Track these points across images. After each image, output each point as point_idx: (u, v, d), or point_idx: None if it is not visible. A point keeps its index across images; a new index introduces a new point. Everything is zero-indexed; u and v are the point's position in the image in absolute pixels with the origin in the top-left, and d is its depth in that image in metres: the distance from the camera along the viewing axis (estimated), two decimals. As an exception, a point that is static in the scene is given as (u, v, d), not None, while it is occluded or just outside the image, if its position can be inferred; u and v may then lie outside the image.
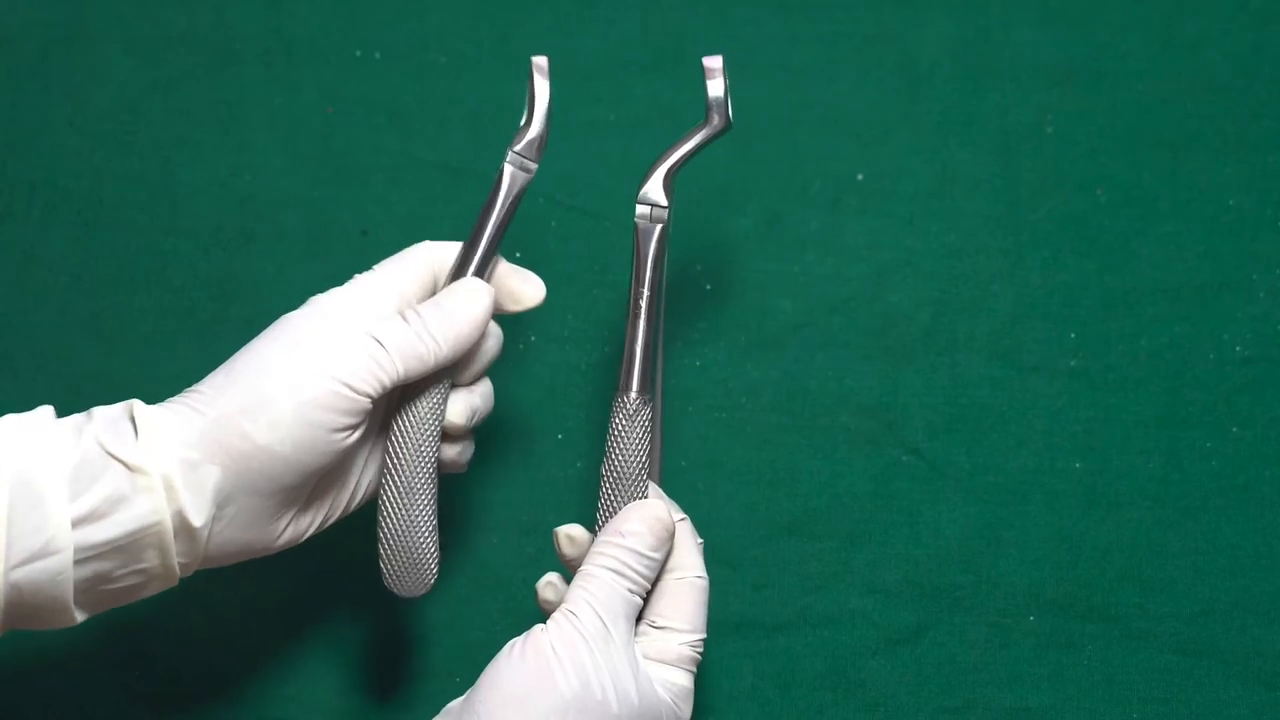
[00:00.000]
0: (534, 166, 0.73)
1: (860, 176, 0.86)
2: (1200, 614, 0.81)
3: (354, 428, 0.68)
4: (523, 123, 0.73)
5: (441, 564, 0.83)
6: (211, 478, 0.65)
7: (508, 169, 0.72)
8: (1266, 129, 0.86)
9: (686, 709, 0.70)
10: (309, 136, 0.88)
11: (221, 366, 0.69)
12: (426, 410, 0.71)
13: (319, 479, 0.69)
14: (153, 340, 0.85)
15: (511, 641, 0.68)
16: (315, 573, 0.82)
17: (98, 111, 0.88)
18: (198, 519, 0.65)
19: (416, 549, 0.72)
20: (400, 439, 0.71)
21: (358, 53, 0.89)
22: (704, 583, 0.71)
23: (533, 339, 0.85)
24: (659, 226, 0.72)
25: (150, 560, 0.65)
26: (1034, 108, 0.87)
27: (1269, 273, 0.85)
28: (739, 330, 0.85)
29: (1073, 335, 0.84)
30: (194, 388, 0.68)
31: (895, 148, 0.87)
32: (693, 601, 0.70)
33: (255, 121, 0.88)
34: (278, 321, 0.70)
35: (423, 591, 0.73)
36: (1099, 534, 0.82)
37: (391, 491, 0.71)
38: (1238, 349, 0.84)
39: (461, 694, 0.67)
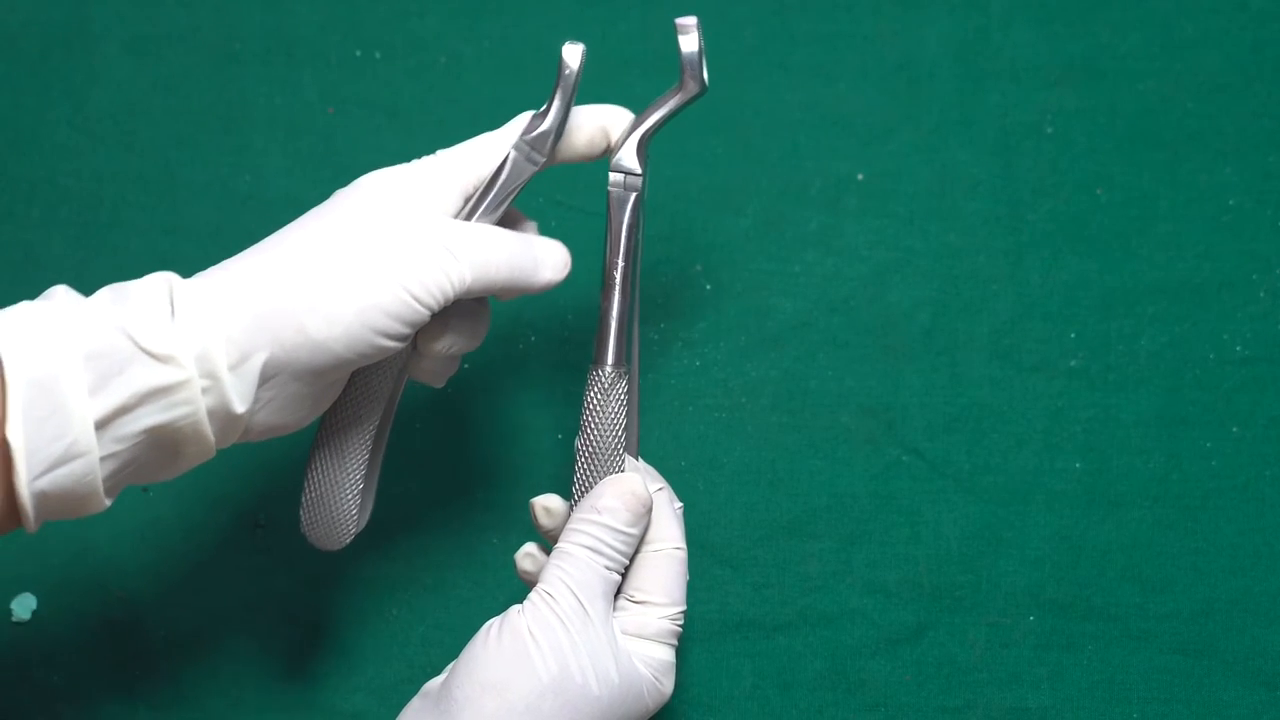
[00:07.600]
0: (541, 160, 0.69)
1: (860, 176, 0.86)
2: (1200, 614, 0.81)
3: (405, 337, 0.65)
4: (541, 109, 0.69)
5: (439, 561, 0.83)
6: (257, 365, 0.63)
7: (513, 154, 0.69)
8: (1266, 129, 0.86)
9: (668, 683, 0.69)
10: (309, 136, 0.88)
11: (270, 241, 0.66)
12: (375, 375, 0.70)
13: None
14: (153, 340, 0.85)
15: (488, 624, 0.67)
16: (315, 574, 0.82)
17: (98, 111, 0.88)
18: (240, 406, 0.63)
19: (337, 510, 0.72)
20: (342, 400, 0.70)
21: (358, 53, 0.89)
22: (682, 554, 0.70)
23: (533, 339, 0.85)
24: (633, 195, 0.71)
25: (185, 446, 0.63)
26: (1034, 107, 0.87)
27: (1269, 273, 0.85)
28: (739, 330, 0.85)
29: (1073, 335, 0.84)
30: (239, 260, 0.65)
31: (895, 148, 0.87)
32: (671, 574, 0.69)
33: (255, 121, 0.88)
34: (335, 203, 0.67)
35: (335, 548, 0.73)
36: (1099, 534, 0.82)
37: (323, 450, 0.71)
38: (1238, 349, 0.84)
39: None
